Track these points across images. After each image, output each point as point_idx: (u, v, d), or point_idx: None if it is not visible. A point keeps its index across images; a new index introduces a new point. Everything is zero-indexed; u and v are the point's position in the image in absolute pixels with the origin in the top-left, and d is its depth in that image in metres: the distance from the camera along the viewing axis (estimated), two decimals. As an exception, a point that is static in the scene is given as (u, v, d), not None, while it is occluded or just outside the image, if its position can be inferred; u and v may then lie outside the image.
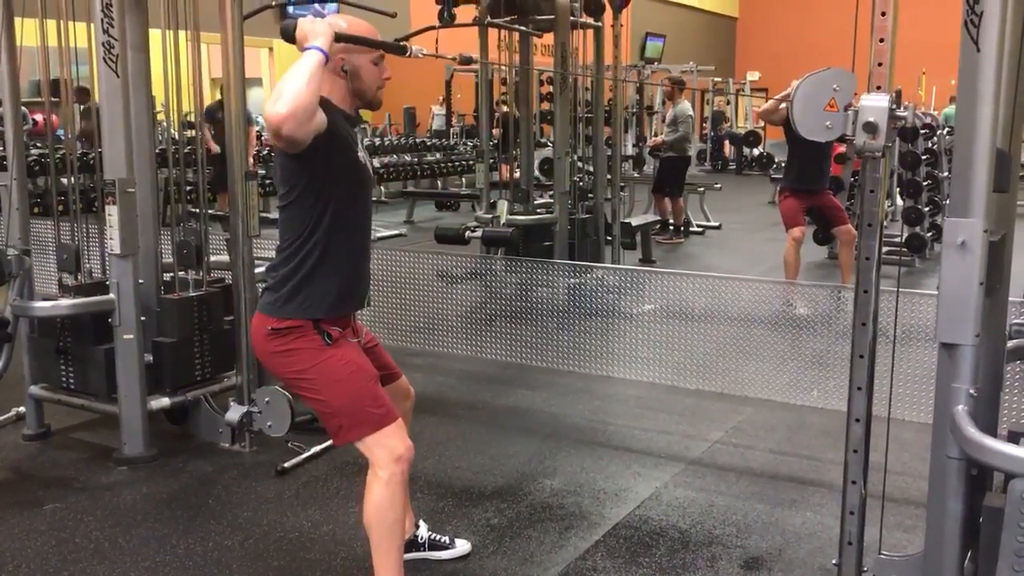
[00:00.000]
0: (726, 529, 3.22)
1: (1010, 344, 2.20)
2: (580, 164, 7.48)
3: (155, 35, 3.98)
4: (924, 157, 8.28)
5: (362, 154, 2.50)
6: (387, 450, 2.41)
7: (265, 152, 10.63)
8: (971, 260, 1.83)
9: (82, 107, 6.57)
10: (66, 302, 3.81)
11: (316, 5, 13.74)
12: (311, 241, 2.40)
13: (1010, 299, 2.15)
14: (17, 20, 3.91)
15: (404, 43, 2.61)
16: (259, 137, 11.65)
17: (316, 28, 2.26)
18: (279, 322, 2.43)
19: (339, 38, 2.32)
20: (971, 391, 1.87)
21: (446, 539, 3.01)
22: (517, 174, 7.19)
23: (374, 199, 12.43)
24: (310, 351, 2.43)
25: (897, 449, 3.38)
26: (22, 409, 4.12)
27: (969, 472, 1.92)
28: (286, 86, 2.11)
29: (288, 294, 2.42)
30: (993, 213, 1.86)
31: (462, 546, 3.01)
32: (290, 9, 14.04)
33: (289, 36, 2.33)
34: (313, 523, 3.26)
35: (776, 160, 15.10)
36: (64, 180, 4.57)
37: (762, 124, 16.38)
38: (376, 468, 2.42)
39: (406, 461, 2.44)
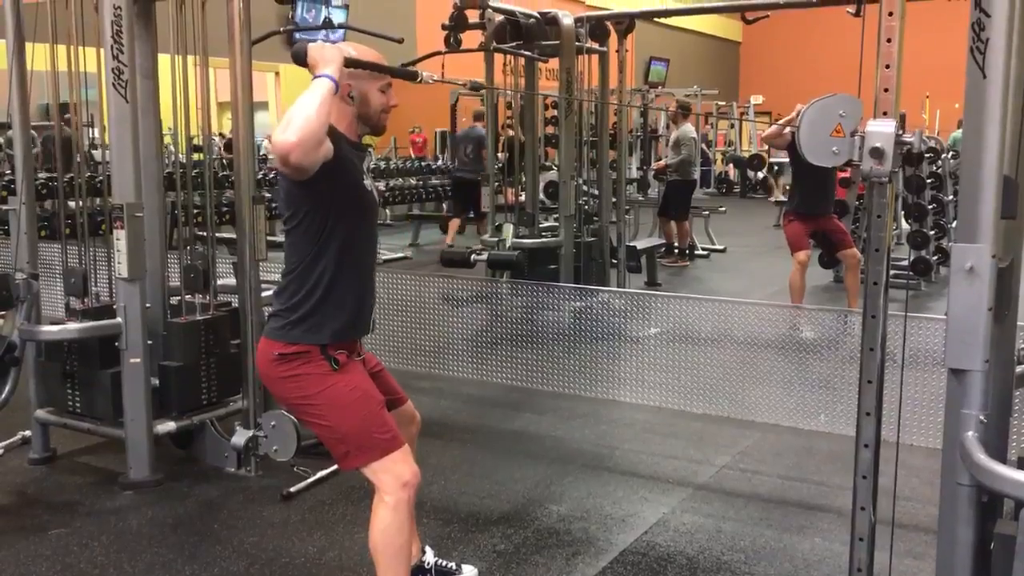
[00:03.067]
0: (734, 555, 3.20)
1: (1019, 369, 2.19)
2: (585, 188, 7.50)
3: (164, 59, 4.02)
4: (929, 181, 8.29)
5: (368, 181, 2.51)
6: (393, 476, 2.41)
7: (271, 176, 10.66)
8: (979, 286, 1.83)
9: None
10: (73, 326, 3.82)
11: (323, 32, 13.88)
12: (317, 267, 2.41)
13: (1019, 323, 2.14)
14: (28, 45, 3.95)
15: (414, 68, 2.61)
16: (264, 161, 11.69)
17: (326, 54, 2.27)
18: (286, 347, 2.43)
19: (349, 63, 2.33)
20: (980, 417, 1.86)
21: (452, 565, 2.99)
22: (522, 197, 7.21)
23: (379, 222, 12.55)
24: (317, 376, 2.43)
25: (906, 475, 3.35)
26: (28, 433, 4.12)
27: (979, 499, 1.90)
28: (295, 114, 2.12)
29: (295, 320, 2.43)
30: (1001, 238, 1.86)
31: (469, 572, 2.99)
32: (297, 35, 14.16)
33: (300, 60, 2.33)
34: (319, 549, 3.24)
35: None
36: (72, 204, 4.58)
37: (766, 147, 16.40)
38: (382, 494, 2.42)
39: (412, 487, 2.44)
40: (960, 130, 15.79)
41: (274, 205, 7.59)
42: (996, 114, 1.82)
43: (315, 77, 2.23)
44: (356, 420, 2.42)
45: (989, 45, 1.80)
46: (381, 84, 2.46)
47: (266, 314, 2.98)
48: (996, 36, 1.79)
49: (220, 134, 12.14)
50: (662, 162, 10.50)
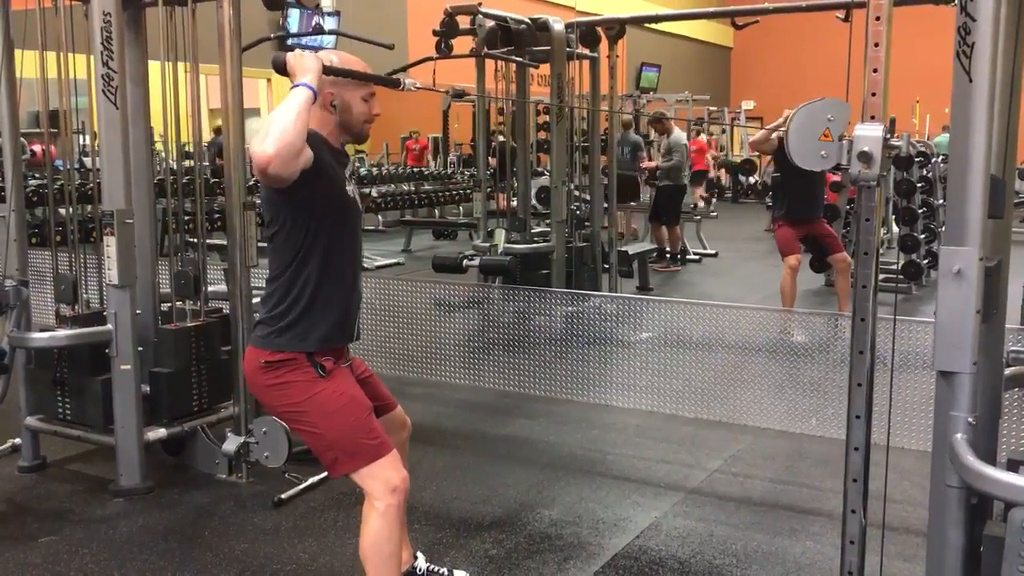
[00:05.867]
0: (726, 559, 3.20)
1: (1008, 371, 2.19)
2: (577, 193, 7.52)
3: (154, 66, 4.01)
4: (919, 185, 8.32)
5: (350, 188, 2.51)
6: (383, 481, 2.40)
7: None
8: (967, 288, 1.83)
9: None
10: (63, 333, 3.81)
11: (313, 37, 13.88)
12: (301, 273, 2.41)
13: (1007, 326, 2.15)
14: (17, 52, 3.94)
15: (396, 76, 2.60)
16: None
17: (305, 63, 2.26)
18: (272, 355, 2.43)
19: (328, 71, 2.33)
20: (969, 419, 1.87)
21: (444, 571, 2.98)
22: (514, 203, 7.22)
23: (371, 228, 12.53)
24: (304, 384, 2.42)
25: (897, 478, 3.36)
26: (18, 440, 4.10)
27: (969, 501, 1.91)
28: (273, 124, 2.11)
29: (281, 327, 2.42)
30: (989, 240, 1.87)
31: (460, 577, 2.99)
32: (289, 41, 14.16)
33: (280, 68, 2.31)
34: (310, 555, 3.24)
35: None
36: (62, 210, 4.56)
37: (757, 152, 16.46)
38: (372, 500, 2.41)
39: (402, 492, 2.43)
40: (944, 134, 15.90)
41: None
42: (982, 117, 1.83)
43: (294, 86, 2.22)
44: (344, 427, 2.42)
45: (975, 49, 1.81)
46: (364, 93, 2.45)
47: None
48: (982, 40, 1.80)
49: (205, 144, 12.04)
50: (652, 163, 10.54)
